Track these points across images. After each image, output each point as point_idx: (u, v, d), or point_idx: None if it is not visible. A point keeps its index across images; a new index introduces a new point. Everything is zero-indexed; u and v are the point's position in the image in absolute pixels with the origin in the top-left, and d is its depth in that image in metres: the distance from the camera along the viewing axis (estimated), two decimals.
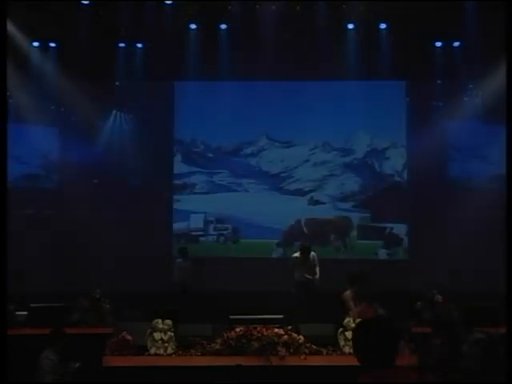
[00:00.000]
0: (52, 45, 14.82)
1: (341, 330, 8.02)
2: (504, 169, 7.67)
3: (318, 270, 12.01)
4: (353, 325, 7.99)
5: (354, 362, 7.66)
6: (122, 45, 14.93)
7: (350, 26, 14.64)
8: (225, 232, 15.43)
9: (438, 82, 15.02)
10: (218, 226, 15.43)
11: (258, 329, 7.81)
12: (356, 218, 15.38)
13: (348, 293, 9.87)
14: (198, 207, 15.49)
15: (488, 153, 14.62)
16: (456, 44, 14.63)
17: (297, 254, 12.26)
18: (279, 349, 7.63)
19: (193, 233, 15.45)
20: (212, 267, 14.59)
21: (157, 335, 7.85)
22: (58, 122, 15.29)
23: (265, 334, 7.74)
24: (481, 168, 14.99)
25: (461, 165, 15.23)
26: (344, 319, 8.27)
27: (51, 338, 7.95)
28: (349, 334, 7.91)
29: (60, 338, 7.97)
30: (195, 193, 15.60)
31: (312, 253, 12.11)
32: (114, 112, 15.50)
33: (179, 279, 13.11)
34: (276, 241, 15.22)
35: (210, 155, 15.75)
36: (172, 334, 7.91)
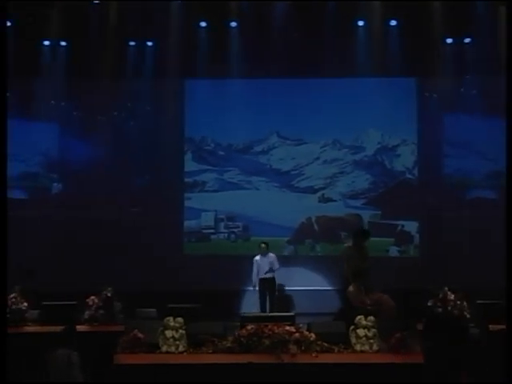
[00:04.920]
0: (62, 43, 14.87)
1: (352, 327, 8.00)
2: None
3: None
4: (364, 322, 7.98)
5: (365, 359, 7.72)
6: (132, 43, 14.95)
7: (361, 23, 14.62)
8: (235, 230, 15.42)
9: (449, 78, 14.96)
10: (229, 223, 15.42)
11: (269, 326, 7.80)
12: (367, 215, 15.32)
13: (351, 288, 9.82)
14: (209, 205, 15.48)
15: (498, 150, 14.57)
16: (467, 40, 14.57)
17: (349, 244, 11.63)
18: (290, 346, 7.62)
19: (204, 231, 15.45)
20: (223, 265, 14.60)
21: (168, 333, 7.86)
22: (68, 119, 15.35)
23: (276, 331, 7.73)
24: (488, 165, 14.94)
25: (472, 162, 15.16)
26: (353, 316, 8.26)
27: (65, 335, 7.92)
28: (360, 332, 7.90)
29: (73, 336, 7.96)
30: (206, 191, 15.59)
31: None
32: (125, 110, 15.51)
33: None
34: (287, 238, 15.19)
35: (221, 153, 15.73)
36: (183, 331, 7.92)
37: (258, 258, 13.50)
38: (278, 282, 13.58)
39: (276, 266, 13.42)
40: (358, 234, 11.67)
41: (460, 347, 6.64)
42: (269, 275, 13.36)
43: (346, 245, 12.02)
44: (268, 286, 13.38)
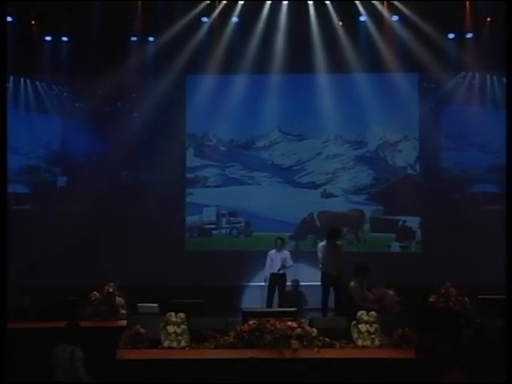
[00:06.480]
0: (64, 39, 14.91)
1: (354, 322, 8.01)
2: None
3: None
4: (366, 317, 7.99)
5: (367, 354, 7.72)
6: (133, 39, 14.94)
7: (362, 19, 14.61)
8: (237, 225, 15.44)
9: (451, 73, 14.95)
10: (231, 219, 15.44)
11: (271, 322, 7.81)
12: (369, 210, 15.35)
13: (353, 284, 9.97)
14: (211, 200, 15.50)
15: (501, 144, 14.57)
16: (469, 35, 14.55)
17: (323, 243, 12.24)
18: (292, 342, 7.62)
19: (205, 226, 15.47)
20: (225, 260, 14.62)
21: (170, 328, 7.86)
22: (70, 112, 15.42)
23: (278, 326, 7.73)
24: (490, 159, 14.95)
25: (473, 157, 15.17)
26: (355, 311, 8.27)
27: (68, 332, 7.92)
28: (362, 327, 7.91)
29: (76, 332, 7.96)
30: (208, 186, 15.60)
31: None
32: (125, 104, 15.54)
33: None
34: (289, 234, 15.18)
35: (223, 149, 15.74)
36: (185, 327, 7.92)
37: (272, 252, 13.46)
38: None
39: (289, 263, 13.39)
40: (330, 233, 12.22)
41: (457, 342, 6.64)
42: (280, 271, 13.35)
43: (320, 244, 12.40)
44: (278, 281, 13.37)
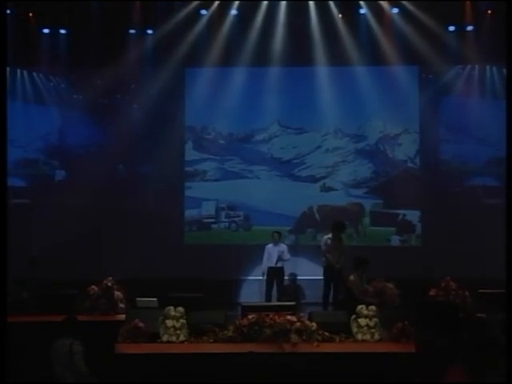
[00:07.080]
0: (62, 31, 14.86)
1: (354, 316, 7.99)
2: None
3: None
4: (366, 311, 7.96)
5: (366, 349, 7.69)
6: (132, 31, 14.88)
7: (363, 11, 14.56)
8: (236, 219, 15.40)
9: (452, 66, 14.90)
10: (230, 213, 15.40)
11: (271, 316, 7.78)
12: (368, 204, 15.31)
13: (352, 277, 9.97)
14: (210, 194, 15.46)
15: (501, 137, 14.53)
16: (469, 28, 14.50)
17: (329, 236, 12.31)
18: (291, 336, 7.60)
19: (204, 220, 15.43)
20: (224, 254, 14.59)
21: (169, 322, 7.84)
22: (65, 105, 15.39)
23: (277, 320, 7.71)
24: (489, 151, 14.91)
25: (473, 150, 15.13)
26: (354, 305, 8.25)
27: (66, 326, 7.89)
28: (362, 321, 7.89)
29: (75, 326, 7.93)
30: (207, 180, 15.56)
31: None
32: (124, 97, 15.49)
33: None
34: (288, 228, 15.15)
35: (222, 142, 15.70)
36: (184, 321, 7.90)
37: (269, 246, 13.48)
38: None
39: (286, 256, 13.39)
40: (336, 227, 12.33)
41: (457, 336, 6.60)
42: (278, 265, 13.33)
43: (325, 237, 12.48)
44: (276, 275, 13.35)
